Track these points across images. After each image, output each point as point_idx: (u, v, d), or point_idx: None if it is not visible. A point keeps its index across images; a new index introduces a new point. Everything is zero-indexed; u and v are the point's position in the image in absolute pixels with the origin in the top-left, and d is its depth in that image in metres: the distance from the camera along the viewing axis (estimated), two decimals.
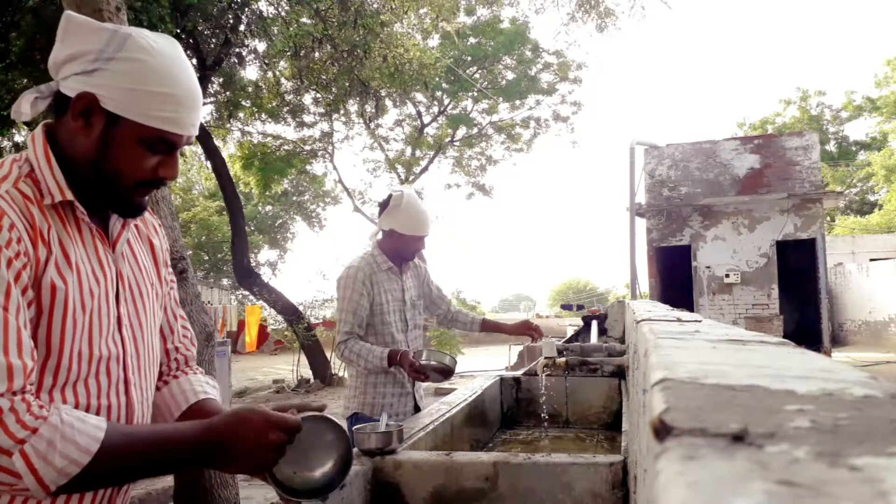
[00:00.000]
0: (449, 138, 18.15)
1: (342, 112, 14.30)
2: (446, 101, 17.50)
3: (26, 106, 1.04)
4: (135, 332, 1.12)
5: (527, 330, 3.03)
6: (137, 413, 1.12)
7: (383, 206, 2.66)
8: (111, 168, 1.03)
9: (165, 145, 1.05)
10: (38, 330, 0.96)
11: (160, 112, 1.01)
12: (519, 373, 3.28)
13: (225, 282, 25.27)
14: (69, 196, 1.01)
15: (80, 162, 1.03)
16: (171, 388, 1.26)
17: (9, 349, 0.88)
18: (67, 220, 1.03)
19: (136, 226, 1.20)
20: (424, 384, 2.79)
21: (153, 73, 1.00)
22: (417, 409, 2.72)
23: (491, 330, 3.15)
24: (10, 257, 0.91)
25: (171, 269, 1.30)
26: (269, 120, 13.81)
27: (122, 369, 1.08)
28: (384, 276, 2.67)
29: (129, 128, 1.01)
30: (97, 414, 1.02)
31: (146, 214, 1.22)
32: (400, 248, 2.68)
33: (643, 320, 1.35)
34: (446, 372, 2.58)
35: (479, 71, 17.08)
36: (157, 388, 1.25)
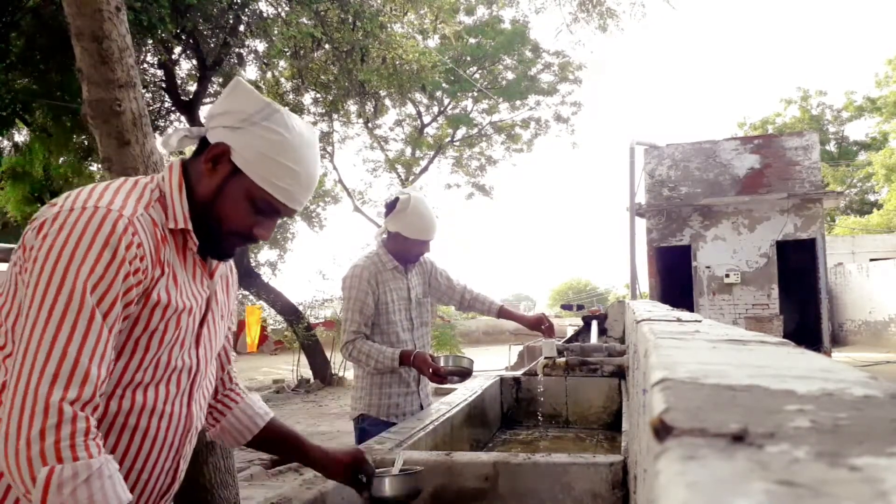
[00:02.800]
0: (449, 138, 18.15)
1: (342, 112, 14.29)
2: (446, 102, 17.51)
3: (175, 140, 1.20)
4: (208, 351, 1.25)
5: (539, 325, 2.97)
6: (195, 423, 1.23)
7: (390, 207, 2.65)
8: (217, 212, 1.15)
9: (270, 210, 1.16)
10: (133, 331, 1.06)
11: (278, 181, 1.13)
12: (519, 373, 3.28)
13: None
14: (189, 226, 1.13)
15: (198, 200, 1.15)
16: (237, 413, 1.41)
17: (94, 356, 0.96)
18: (180, 246, 1.15)
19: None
20: (430, 385, 2.79)
21: (285, 147, 1.13)
22: (422, 407, 2.72)
23: (507, 318, 3.06)
24: (128, 272, 1.01)
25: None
26: None
27: (190, 382, 1.19)
28: (389, 275, 2.66)
29: (246, 184, 1.13)
30: (161, 418, 1.13)
31: None
32: (404, 251, 2.67)
33: (643, 320, 1.35)
34: (464, 374, 2.59)
35: (479, 71, 17.08)
36: (221, 412, 1.40)
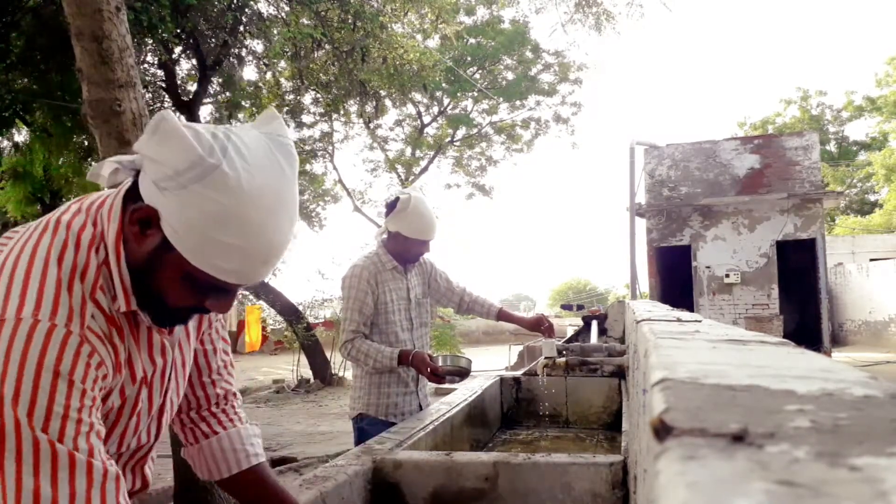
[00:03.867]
0: (449, 138, 18.15)
1: (342, 112, 14.30)
2: (446, 102, 17.51)
3: (106, 172, 0.95)
4: (172, 411, 1.09)
5: (539, 326, 2.97)
6: (148, 486, 1.10)
7: (390, 207, 2.66)
8: (154, 287, 0.92)
9: (218, 289, 0.93)
10: None
11: (221, 262, 0.87)
12: (519, 373, 3.28)
13: None
14: (133, 306, 0.92)
15: (130, 264, 0.92)
16: (222, 442, 1.18)
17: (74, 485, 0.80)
18: (132, 323, 0.95)
19: None
20: (429, 384, 2.79)
21: (227, 220, 0.85)
22: (421, 408, 2.71)
23: (506, 320, 3.07)
24: (94, 397, 0.85)
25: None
26: None
27: (147, 451, 1.07)
28: (389, 275, 2.66)
29: (180, 260, 0.88)
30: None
31: None
32: (405, 251, 2.67)
33: (643, 320, 1.35)
34: (463, 374, 2.60)
35: (480, 71, 17.08)
36: (204, 433, 1.19)
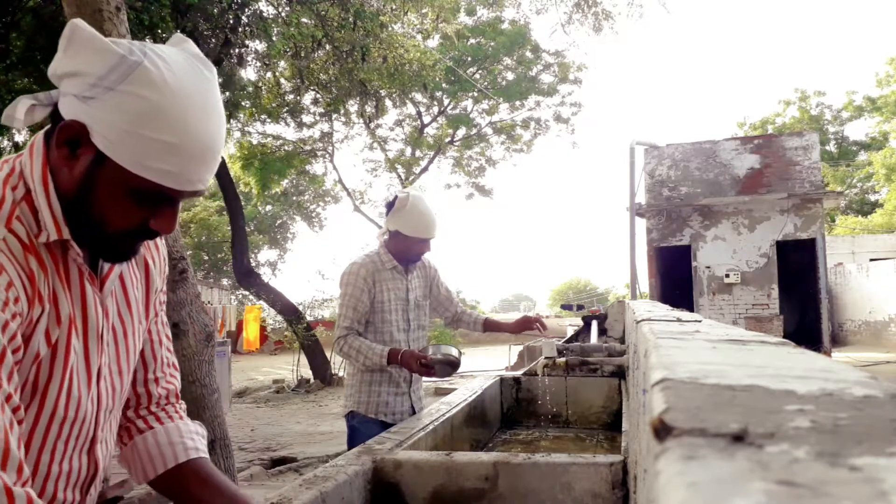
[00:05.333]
0: (449, 139, 18.16)
1: (342, 112, 14.31)
2: (446, 102, 17.52)
3: (21, 113, 0.88)
4: (113, 381, 0.99)
5: (528, 324, 2.97)
6: (100, 472, 0.99)
7: (389, 206, 2.66)
8: (92, 212, 0.87)
9: (161, 199, 0.88)
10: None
11: (158, 164, 0.84)
12: (519, 373, 3.28)
13: (225, 282, 25.28)
14: (66, 235, 0.87)
15: (62, 194, 0.87)
16: (158, 436, 1.09)
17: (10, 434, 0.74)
18: (59, 260, 0.89)
19: None
20: (424, 384, 2.79)
21: (158, 116, 0.83)
22: (414, 410, 2.70)
23: (492, 329, 3.11)
24: (6, 320, 0.78)
25: (163, 288, 1.14)
26: (269, 120, 13.83)
27: (94, 427, 0.96)
28: (388, 274, 2.65)
29: (118, 173, 0.84)
30: (58, 479, 0.91)
31: None
32: (405, 250, 2.67)
33: (643, 320, 1.35)
34: (453, 364, 2.58)
35: (480, 71, 17.09)
36: (139, 429, 1.10)
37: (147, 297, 1.07)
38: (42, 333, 0.85)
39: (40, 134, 0.91)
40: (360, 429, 2.62)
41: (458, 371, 2.69)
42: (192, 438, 1.12)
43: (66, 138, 0.85)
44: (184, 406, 1.19)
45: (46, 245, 0.87)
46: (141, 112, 0.82)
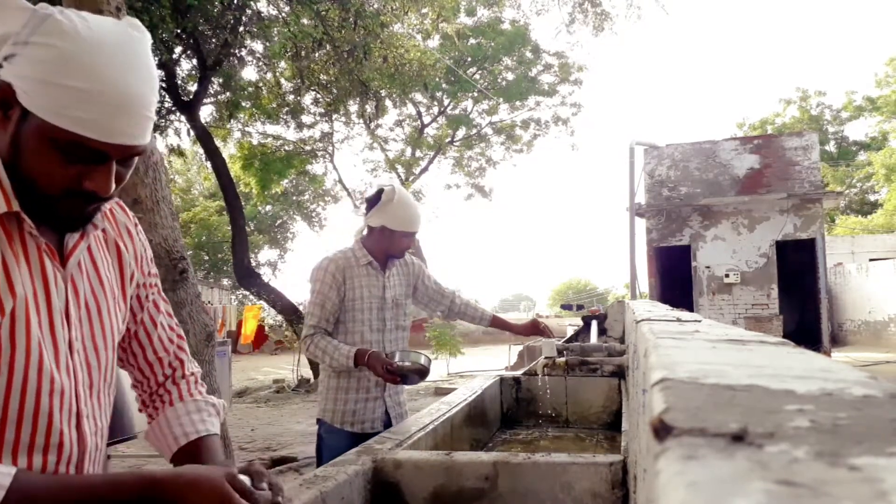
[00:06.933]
0: (449, 139, 18.16)
1: (342, 112, 14.31)
2: (446, 102, 17.52)
3: None
4: (88, 356, 1.00)
5: (536, 329, 2.90)
6: (90, 446, 1.00)
7: (372, 201, 2.51)
8: (25, 173, 0.88)
9: (88, 153, 0.88)
10: None
11: (74, 111, 0.84)
12: (519, 373, 3.28)
13: (225, 282, 25.29)
14: (15, 206, 0.88)
15: (6, 166, 0.89)
16: (168, 416, 1.12)
17: None
18: (12, 233, 0.90)
19: (103, 230, 1.06)
20: (407, 387, 2.60)
21: (70, 63, 0.84)
22: (389, 417, 2.52)
23: (499, 327, 3.01)
24: None
25: (153, 272, 1.17)
26: (269, 120, 13.83)
27: (75, 400, 0.96)
28: (362, 270, 2.49)
29: (39, 126, 0.85)
30: (46, 453, 0.93)
31: (118, 214, 1.11)
32: (388, 246, 2.52)
33: (643, 320, 1.35)
34: (421, 373, 2.40)
35: (480, 71, 17.09)
36: (157, 407, 1.14)
37: (122, 282, 1.08)
38: None
39: None
40: (326, 440, 2.47)
41: (428, 375, 2.50)
42: (202, 415, 1.13)
43: None
44: (204, 387, 1.20)
45: None
46: (51, 60, 0.84)
